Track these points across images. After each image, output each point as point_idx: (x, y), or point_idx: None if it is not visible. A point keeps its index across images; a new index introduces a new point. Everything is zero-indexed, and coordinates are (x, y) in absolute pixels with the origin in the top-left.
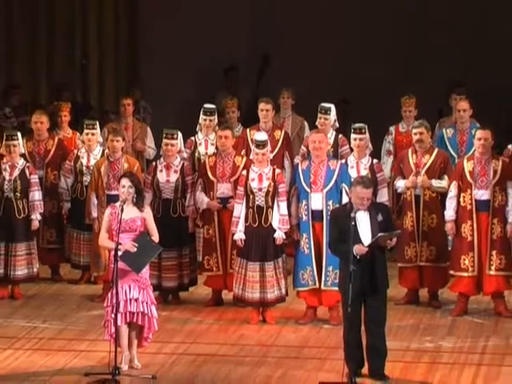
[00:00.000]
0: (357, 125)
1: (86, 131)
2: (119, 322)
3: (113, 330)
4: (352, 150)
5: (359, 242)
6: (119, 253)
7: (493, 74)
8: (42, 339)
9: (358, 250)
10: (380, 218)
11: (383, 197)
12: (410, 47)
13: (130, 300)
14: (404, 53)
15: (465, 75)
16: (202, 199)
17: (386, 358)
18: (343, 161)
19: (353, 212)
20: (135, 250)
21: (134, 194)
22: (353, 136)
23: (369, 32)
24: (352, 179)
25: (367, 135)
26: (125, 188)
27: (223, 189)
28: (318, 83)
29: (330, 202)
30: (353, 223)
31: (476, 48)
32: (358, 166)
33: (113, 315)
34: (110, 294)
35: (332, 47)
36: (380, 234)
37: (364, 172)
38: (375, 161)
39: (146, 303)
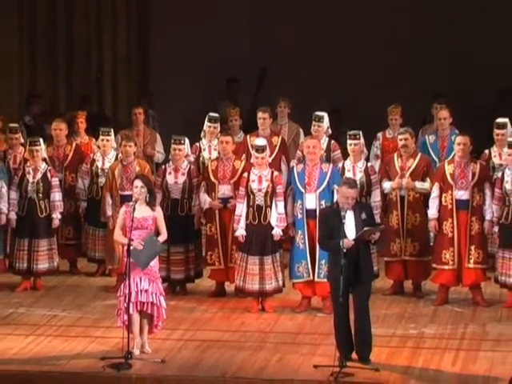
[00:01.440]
0: (352, 131)
1: (101, 137)
2: (131, 311)
3: (125, 317)
4: (346, 154)
5: (345, 237)
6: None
7: (474, 87)
8: (62, 326)
9: (345, 243)
10: (364, 216)
11: (376, 197)
12: (397, 62)
13: (141, 291)
14: (391, 67)
15: (448, 89)
16: (205, 199)
17: (372, 343)
18: (339, 164)
19: (343, 211)
20: (141, 247)
21: (146, 193)
22: (348, 141)
23: (361, 48)
24: None
25: (362, 141)
26: (137, 188)
27: (224, 190)
28: (312, 93)
29: (323, 202)
30: (344, 221)
31: (459, 62)
32: (354, 169)
33: (125, 304)
34: (122, 285)
35: (325, 61)
36: (365, 229)
37: (359, 175)
38: (369, 164)
39: (155, 294)
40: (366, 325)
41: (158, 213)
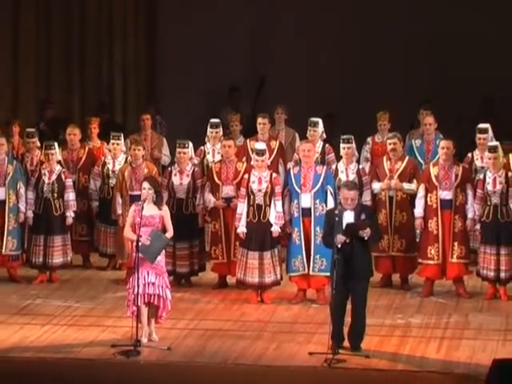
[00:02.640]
0: (345, 136)
1: (112, 141)
2: (139, 302)
3: (134, 308)
4: (339, 157)
5: (342, 233)
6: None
7: (457, 95)
8: (75, 316)
9: (337, 239)
10: (363, 216)
11: (367, 196)
12: (386, 73)
13: (148, 284)
14: (381, 77)
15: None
16: (210, 199)
17: (364, 335)
18: (333, 166)
19: (336, 210)
20: (149, 243)
21: (153, 194)
22: (342, 145)
23: (353, 60)
24: (337, 182)
25: (354, 144)
26: (145, 190)
27: (227, 190)
28: (307, 100)
29: (317, 201)
30: (336, 219)
31: (443, 72)
32: (347, 171)
33: (133, 296)
34: (131, 278)
35: (319, 72)
36: (349, 222)
37: (352, 176)
38: (361, 166)
39: (162, 287)
40: (360, 320)
41: (165, 211)
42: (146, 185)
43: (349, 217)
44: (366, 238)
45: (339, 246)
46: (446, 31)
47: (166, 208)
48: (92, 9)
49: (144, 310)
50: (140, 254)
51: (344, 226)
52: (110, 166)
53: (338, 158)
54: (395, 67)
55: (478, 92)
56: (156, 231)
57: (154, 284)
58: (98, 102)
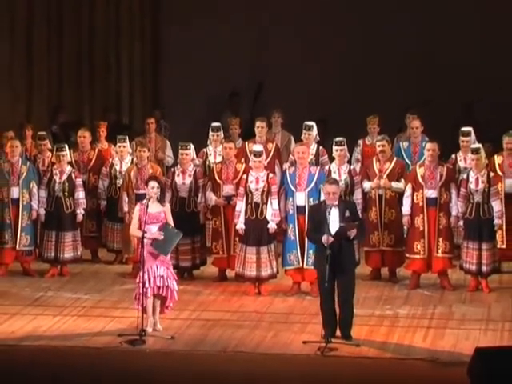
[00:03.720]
0: (338, 138)
1: (118, 144)
2: (149, 294)
3: (143, 301)
4: (331, 159)
5: (329, 232)
6: (149, 241)
7: (442, 100)
8: (85, 308)
9: (324, 239)
10: (347, 213)
11: (358, 195)
12: (375, 80)
13: (157, 276)
14: (370, 84)
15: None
16: (211, 198)
17: (353, 323)
18: (326, 167)
19: (328, 208)
20: (162, 237)
21: (159, 192)
22: (334, 147)
23: (343, 68)
24: None
25: (346, 147)
26: (154, 188)
27: (227, 189)
28: (302, 106)
29: (311, 200)
30: (329, 216)
31: (427, 77)
32: (339, 171)
33: (144, 289)
34: (141, 273)
35: (313, 79)
36: (341, 225)
37: (344, 176)
38: (352, 167)
39: (169, 278)
40: (348, 309)
41: (167, 208)
42: (154, 184)
43: (335, 214)
44: (351, 237)
45: (326, 245)
46: (432, 47)
47: (168, 205)
48: (100, 21)
49: (150, 302)
50: (150, 248)
51: (331, 225)
52: (117, 167)
53: (331, 159)
54: (384, 76)
55: (460, 99)
56: (167, 226)
57: (162, 276)
58: (104, 107)
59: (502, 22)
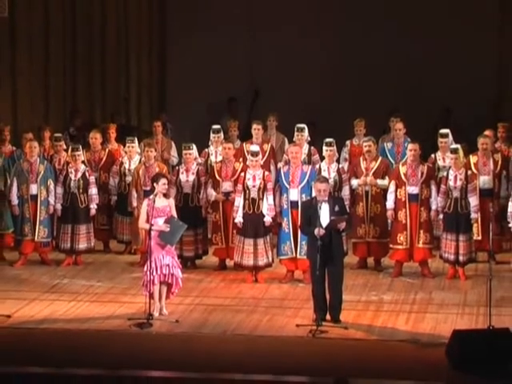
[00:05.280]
0: (327, 139)
1: (127, 144)
2: (156, 281)
3: (150, 287)
4: (322, 158)
5: (320, 225)
6: (156, 233)
7: (423, 105)
8: (97, 294)
9: (316, 232)
10: (337, 208)
11: (346, 191)
12: (361, 85)
13: (163, 265)
14: (357, 90)
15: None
16: (211, 193)
17: (342, 308)
18: (317, 166)
19: (319, 203)
20: (168, 229)
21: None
22: (324, 148)
23: (332, 75)
24: None
25: (335, 147)
26: (165, 184)
27: (226, 186)
28: (295, 110)
29: (304, 195)
30: (319, 211)
31: (410, 83)
32: (329, 169)
33: (151, 277)
34: (148, 262)
35: (304, 85)
36: (332, 218)
37: (333, 174)
38: (341, 165)
39: (174, 267)
40: (337, 295)
41: (171, 202)
42: (165, 180)
43: (325, 209)
44: (340, 230)
45: (318, 237)
46: (413, 54)
47: (172, 199)
48: (111, 33)
49: (157, 288)
50: (157, 239)
51: (322, 219)
52: (127, 166)
53: (322, 158)
54: (370, 81)
55: (439, 103)
56: (173, 218)
57: (168, 265)
58: (112, 112)
59: (479, 32)
